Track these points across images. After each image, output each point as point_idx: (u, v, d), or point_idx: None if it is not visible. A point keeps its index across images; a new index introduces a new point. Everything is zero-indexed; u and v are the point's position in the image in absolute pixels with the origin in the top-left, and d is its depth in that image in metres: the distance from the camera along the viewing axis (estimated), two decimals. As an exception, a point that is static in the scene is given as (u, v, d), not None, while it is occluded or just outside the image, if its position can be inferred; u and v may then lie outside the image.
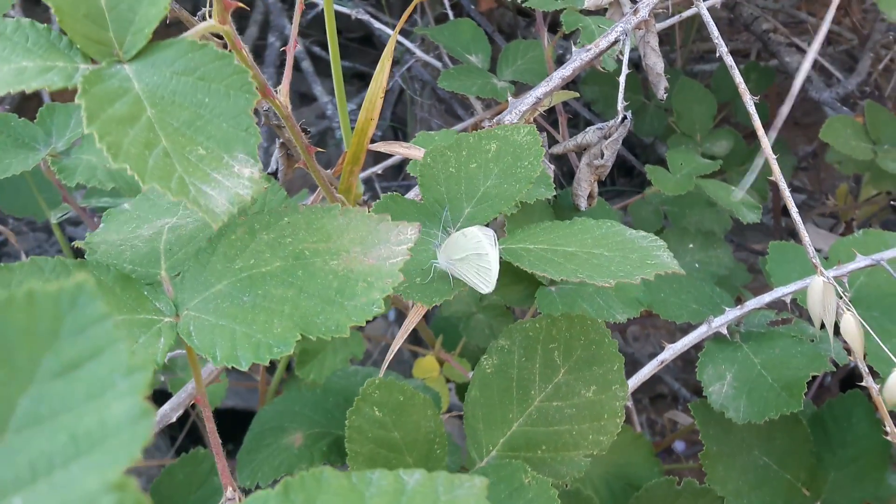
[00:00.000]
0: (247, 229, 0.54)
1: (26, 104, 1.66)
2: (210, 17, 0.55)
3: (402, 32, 1.45)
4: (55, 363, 0.28)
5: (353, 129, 0.76)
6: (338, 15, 0.86)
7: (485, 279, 0.65)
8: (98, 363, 0.28)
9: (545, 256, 0.66)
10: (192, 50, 0.51)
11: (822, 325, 0.77)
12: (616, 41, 0.85)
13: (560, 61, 1.39)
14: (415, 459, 0.73)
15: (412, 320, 0.78)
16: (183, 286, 0.54)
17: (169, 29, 0.64)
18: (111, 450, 0.27)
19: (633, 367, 0.73)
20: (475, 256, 0.64)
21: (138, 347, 0.50)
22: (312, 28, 1.67)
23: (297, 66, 1.70)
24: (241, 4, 0.54)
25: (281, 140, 0.80)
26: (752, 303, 0.85)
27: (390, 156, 1.27)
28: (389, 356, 0.80)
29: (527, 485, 0.69)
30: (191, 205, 0.46)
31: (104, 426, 0.27)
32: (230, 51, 0.54)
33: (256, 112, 0.66)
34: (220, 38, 0.60)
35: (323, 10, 1.54)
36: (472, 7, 1.48)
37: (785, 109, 0.81)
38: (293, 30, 0.66)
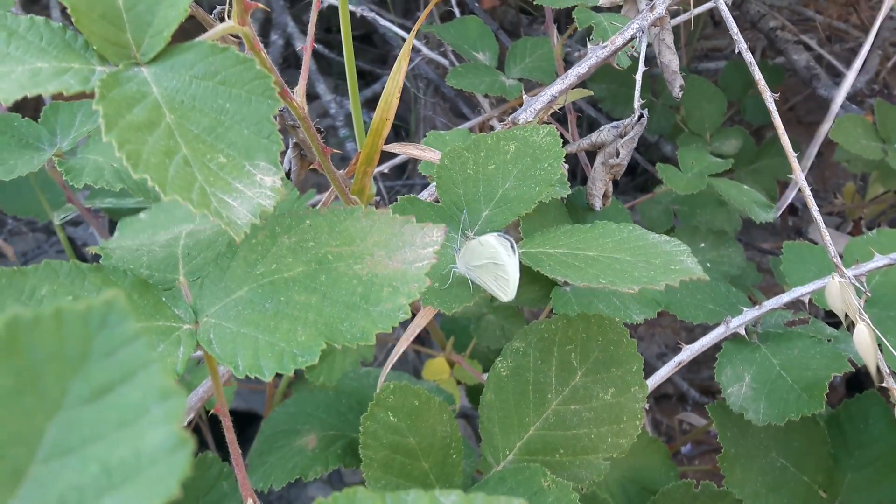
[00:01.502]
0: (268, 233, 0.52)
1: (24, 102, 1.63)
2: (228, 17, 0.54)
3: (407, 30, 1.44)
4: (85, 388, 0.27)
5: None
6: (337, 13, 0.84)
7: (503, 288, 0.64)
8: (130, 387, 0.27)
9: (566, 261, 0.65)
10: (213, 53, 0.49)
11: (846, 318, 0.76)
12: (632, 38, 0.84)
13: (567, 60, 1.38)
14: (430, 465, 0.72)
15: (419, 323, 0.77)
16: (202, 292, 0.53)
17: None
18: (146, 483, 0.25)
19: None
20: (493, 265, 0.63)
21: (157, 356, 0.49)
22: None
23: (298, 64, 1.69)
24: (260, 5, 0.53)
25: (294, 140, 0.79)
26: (771, 303, 0.84)
27: (394, 155, 1.26)
28: (394, 357, 0.78)
29: (546, 489, 0.68)
30: (213, 217, 0.45)
31: (138, 457, 0.26)
32: (250, 53, 0.53)
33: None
34: (237, 37, 0.58)
35: (325, 8, 1.53)
36: (476, 5, 1.47)
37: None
38: (310, 27, 0.64)
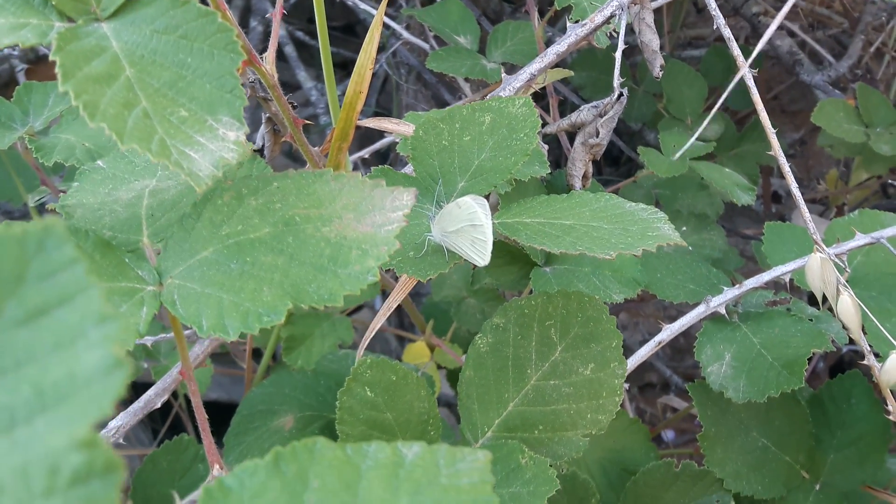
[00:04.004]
0: (234, 194, 0.51)
1: (5, 91, 1.62)
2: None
3: (388, 16, 1.43)
4: (19, 310, 0.26)
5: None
6: None
7: (480, 251, 0.63)
8: (67, 310, 0.26)
9: (542, 230, 0.64)
10: (174, 7, 0.49)
11: (825, 300, 0.75)
12: (612, 16, 0.83)
13: (549, 44, 1.37)
14: (407, 441, 0.71)
15: (396, 297, 0.76)
16: (166, 253, 0.51)
17: None
18: (80, 404, 0.24)
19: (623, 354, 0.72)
20: (470, 227, 0.62)
21: (95, 281, 0.47)
22: (295, 15, 1.64)
23: (280, 52, 1.68)
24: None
25: (267, 115, 0.78)
26: (751, 282, 0.83)
27: (377, 140, 1.25)
28: (371, 331, 0.77)
29: (524, 465, 0.67)
30: (173, 167, 0.44)
31: (73, 378, 0.25)
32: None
33: (242, 85, 0.63)
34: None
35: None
36: (459, -9, 1.46)
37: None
38: (280, -7, 0.63)
